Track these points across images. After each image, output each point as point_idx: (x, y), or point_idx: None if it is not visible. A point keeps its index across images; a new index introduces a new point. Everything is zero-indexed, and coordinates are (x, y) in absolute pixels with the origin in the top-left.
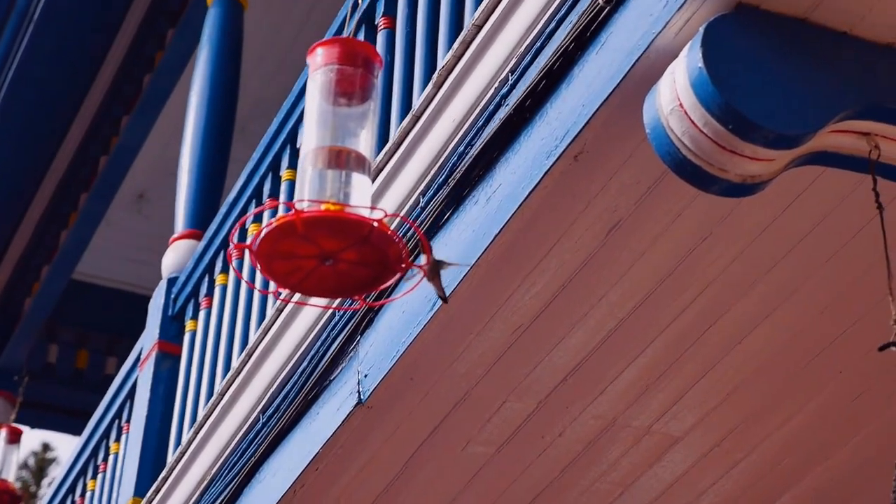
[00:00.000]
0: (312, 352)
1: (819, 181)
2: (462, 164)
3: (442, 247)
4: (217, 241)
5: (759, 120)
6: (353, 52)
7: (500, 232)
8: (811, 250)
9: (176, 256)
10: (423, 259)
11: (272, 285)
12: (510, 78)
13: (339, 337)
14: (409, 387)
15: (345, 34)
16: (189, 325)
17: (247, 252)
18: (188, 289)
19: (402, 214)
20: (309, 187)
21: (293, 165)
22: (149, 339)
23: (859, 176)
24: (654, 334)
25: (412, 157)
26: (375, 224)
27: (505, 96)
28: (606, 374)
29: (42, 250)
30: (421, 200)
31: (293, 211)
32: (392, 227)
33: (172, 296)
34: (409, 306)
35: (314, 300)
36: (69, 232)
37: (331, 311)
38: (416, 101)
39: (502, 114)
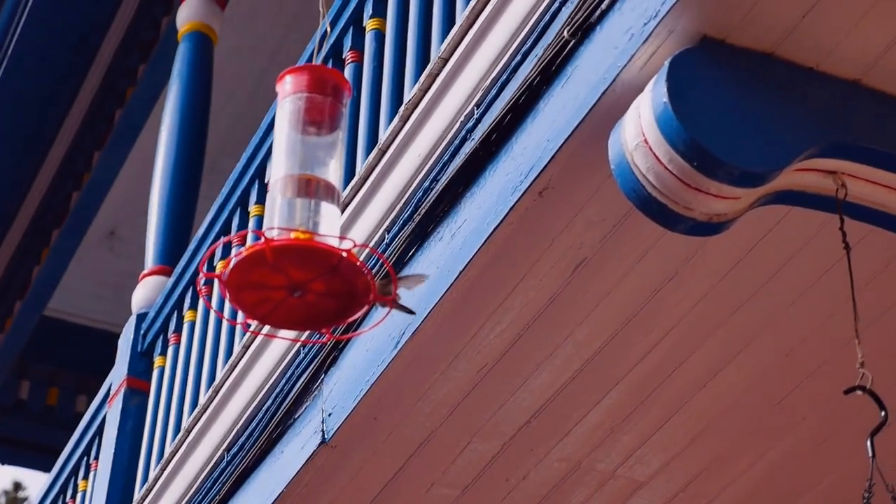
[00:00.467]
0: (277, 390)
1: (785, 221)
2: (427, 199)
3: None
4: (186, 278)
5: (723, 156)
6: (322, 79)
7: (464, 269)
8: (777, 291)
9: (145, 292)
10: (390, 290)
11: (240, 316)
12: (476, 112)
13: (303, 375)
14: (373, 426)
15: None
16: (158, 361)
17: (216, 283)
18: (157, 325)
19: (370, 245)
20: (278, 216)
21: (261, 201)
22: (118, 375)
23: (826, 215)
24: (620, 375)
25: (378, 192)
26: (344, 254)
27: (471, 130)
28: (572, 415)
29: (15, 286)
30: (386, 237)
31: (263, 239)
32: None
33: (142, 332)
34: (372, 344)
35: (282, 333)
36: (41, 268)
37: (296, 349)
38: (383, 136)
39: (468, 148)
